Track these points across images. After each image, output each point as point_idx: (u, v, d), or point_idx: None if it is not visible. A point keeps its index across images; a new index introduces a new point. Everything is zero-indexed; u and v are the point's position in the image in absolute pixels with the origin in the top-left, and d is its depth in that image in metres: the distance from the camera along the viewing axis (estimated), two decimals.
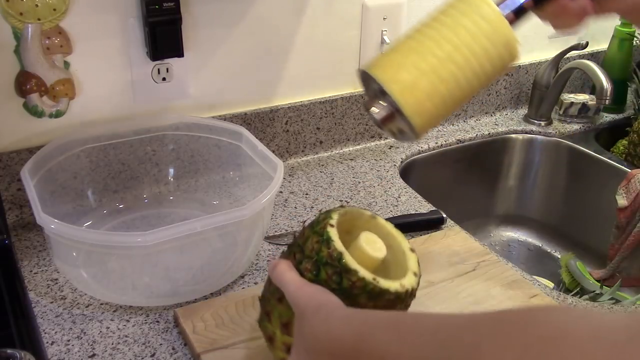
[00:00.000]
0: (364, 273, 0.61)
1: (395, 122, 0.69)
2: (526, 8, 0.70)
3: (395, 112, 0.67)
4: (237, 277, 0.90)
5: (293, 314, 0.61)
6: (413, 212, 1.08)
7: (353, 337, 0.52)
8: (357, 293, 0.61)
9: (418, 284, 0.66)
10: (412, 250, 0.69)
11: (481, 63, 0.66)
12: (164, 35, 1.00)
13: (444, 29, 0.67)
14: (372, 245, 0.66)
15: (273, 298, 0.65)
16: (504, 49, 0.67)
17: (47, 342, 0.78)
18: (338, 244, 0.63)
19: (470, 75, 0.67)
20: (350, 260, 0.61)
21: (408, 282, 0.64)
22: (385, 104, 0.68)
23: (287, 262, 0.65)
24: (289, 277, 0.62)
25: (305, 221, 0.77)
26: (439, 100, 0.66)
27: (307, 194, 1.13)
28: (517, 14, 0.69)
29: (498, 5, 0.68)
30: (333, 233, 0.63)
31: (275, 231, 1.02)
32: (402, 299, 0.63)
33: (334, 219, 0.65)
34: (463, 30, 0.66)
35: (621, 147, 1.40)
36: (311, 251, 0.63)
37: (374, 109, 0.69)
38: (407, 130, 0.69)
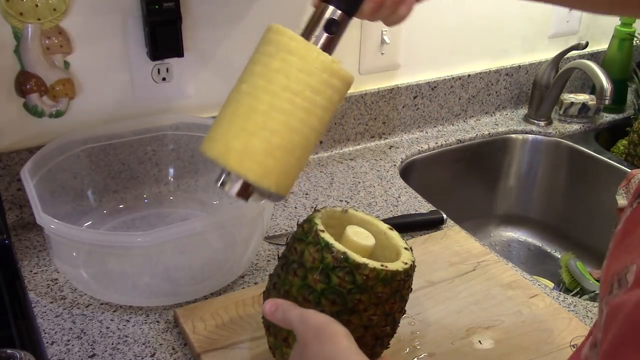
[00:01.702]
0: (372, 263, 0.62)
1: (256, 190, 0.65)
2: (339, 21, 0.66)
3: (246, 182, 0.64)
4: (237, 277, 0.90)
5: None
6: (413, 212, 1.08)
7: None
8: (372, 284, 0.62)
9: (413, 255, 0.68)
10: (391, 229, 0.71)
11: (309, 99, 0.62)
12: (164, 35, 1.00)
13: (257, 79, 0.63)
14: (360, 235, 0.67)
15: None
16: (327, 76, 0.63)
17: (47, 342, 0.78)
18: (338, 245, 0.63)
19: (302, 116, 0.62)
20: (355, 256, 0.62)
21: (407, 257, 0.66)
22: (233, 178, 0.64)
23: (284, 302, 0.63)
24: (291, 316, 0.61)
25: (287, 237, 0.76)
26: (280, 153, 0.62)
27: (307, 194, 1.13)
28: (332, 32, 0.66)
29: (309, 34, 0.66)
30: (328, 237, 0.63)
31: (275, 231, 1.02)
32: (409, 275, 0.65)
33: (319, 224, 0.65)
34: (275, 73, 0.62)
35: (621, 147, 1.40)
36: (313, 262, 0.63)
37: (226, 186, 0.65)
38: (268, 192, 0.65)
